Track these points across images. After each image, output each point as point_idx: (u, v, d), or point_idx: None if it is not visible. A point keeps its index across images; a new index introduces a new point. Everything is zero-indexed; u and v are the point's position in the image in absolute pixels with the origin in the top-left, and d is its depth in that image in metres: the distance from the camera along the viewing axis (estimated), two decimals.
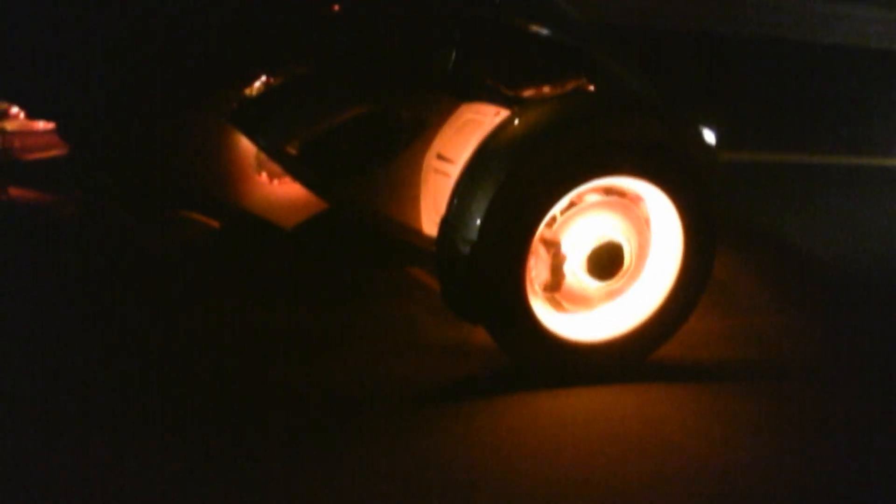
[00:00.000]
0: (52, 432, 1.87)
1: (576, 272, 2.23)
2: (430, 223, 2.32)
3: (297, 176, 2.23)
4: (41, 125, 2.23)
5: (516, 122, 2.12)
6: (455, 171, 2.24)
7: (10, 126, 2.24)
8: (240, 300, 2.56)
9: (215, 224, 2.32)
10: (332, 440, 1.94)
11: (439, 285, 2.19)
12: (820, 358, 2.60)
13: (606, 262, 2.22)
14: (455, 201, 2.10)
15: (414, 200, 2.33)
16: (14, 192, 2.26)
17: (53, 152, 2.23)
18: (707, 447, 2.01)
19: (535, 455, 1.94)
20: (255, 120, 2.19)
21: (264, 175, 2.29)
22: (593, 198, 2.21)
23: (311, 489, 1.77)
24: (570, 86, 2.34)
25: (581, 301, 2.28)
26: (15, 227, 2.29)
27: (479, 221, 2.05)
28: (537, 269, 2.19)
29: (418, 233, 2.34)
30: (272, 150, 2.20)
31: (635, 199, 2.26)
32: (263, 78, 2.21)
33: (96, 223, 2.40)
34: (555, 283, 2.21)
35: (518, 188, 2.06)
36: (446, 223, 2.11)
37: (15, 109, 2.23)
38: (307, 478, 1.80)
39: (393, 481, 1.80)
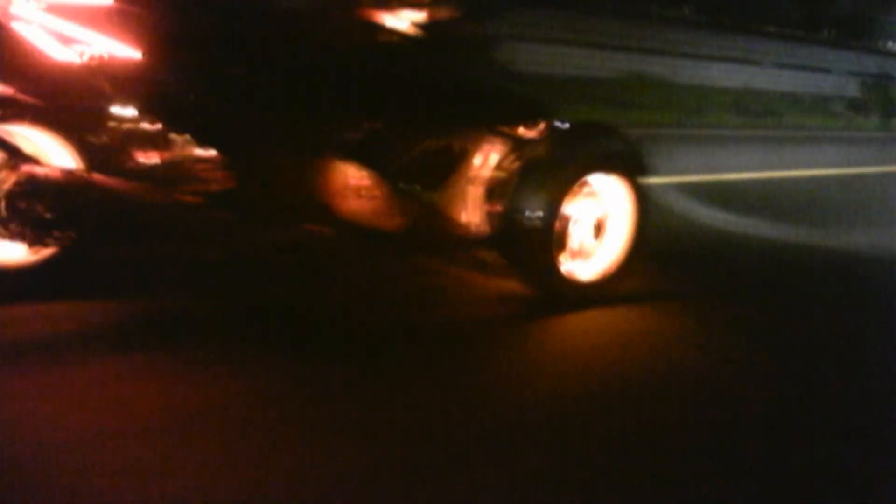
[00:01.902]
0: None
1: (579, 235, 3.58)
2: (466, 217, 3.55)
3: (399, 191, 3.38)
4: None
5: (543, 148, 3.44)
6: (479, 182, 3.52)
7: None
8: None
9: (329, 231, 3.41)
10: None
11: (496, 247, 3.45)
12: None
13: (599, 227, 3.59)
14: (514, 196, 3.38)
15: (461, 203, 3.55)
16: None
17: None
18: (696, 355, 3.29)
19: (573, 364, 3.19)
20: (370, 152, 3.32)
21: (365, 193, 3.41)
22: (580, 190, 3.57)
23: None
24: (544, 124, 3.67)
25: (580, 254, 3.62)
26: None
27: (539, 210, 3.35)
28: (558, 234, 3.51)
29: (460, 223, 3.56)
30: (383, 172, 3.33)
31: (598, 189, 3.65)
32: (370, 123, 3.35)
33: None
34: (564, 243, 3.55)
35: (554, 184, 3.39)
36: (508, 210, 3.38)
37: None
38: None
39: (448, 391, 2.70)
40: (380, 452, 2.25)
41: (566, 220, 3.51)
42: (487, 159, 3.56)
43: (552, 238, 3.44)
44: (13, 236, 2.97)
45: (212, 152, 3.12)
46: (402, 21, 3.46)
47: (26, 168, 2.90)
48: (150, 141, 3.10)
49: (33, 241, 2.98)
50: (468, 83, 3.56)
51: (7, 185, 2.95)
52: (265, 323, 3.14)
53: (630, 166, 3.65)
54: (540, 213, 3.36)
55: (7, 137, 2.91)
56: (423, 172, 3.40)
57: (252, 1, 3.29)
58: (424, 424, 2.45)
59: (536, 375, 2.95)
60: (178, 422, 2.32)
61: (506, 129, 3.60)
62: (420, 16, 3.49)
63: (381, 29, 3.42)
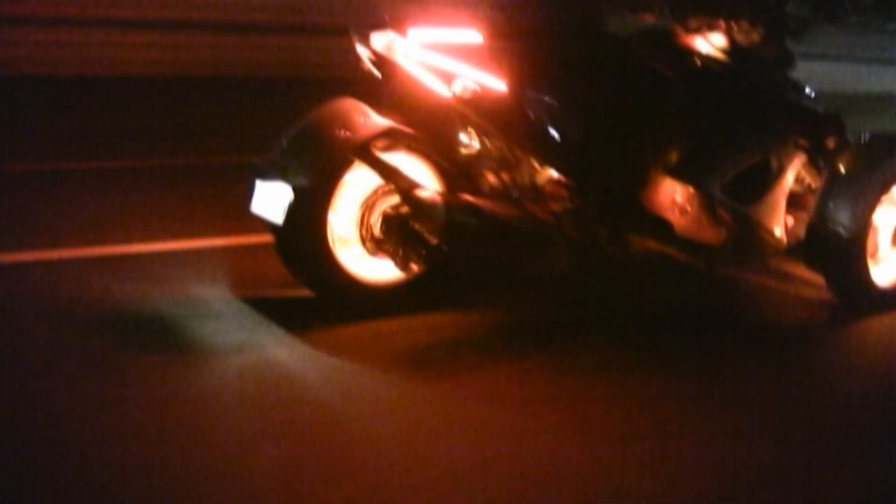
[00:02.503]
0: None
1: (880, 242, 3.74)
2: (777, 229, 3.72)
3: (720, 205, 3.56)
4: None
5: (852, 160, 3.60)
6: (788, 195, 3.68)
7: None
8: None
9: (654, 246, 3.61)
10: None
11: (806, 257, 3.63)
12: None
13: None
14: (826, 208, 3.55)
15: (772, 215, 3.71)
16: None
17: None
18: None
19: None
20: (693, 171, 3.51)
21: (684, 210, 3.60)
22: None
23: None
24: (844, 138, 3.81)
25: (877, 261, 3.78)
26: None
27: (849, 219, 3.52)
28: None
29: (772, 235, 3.73)
30: (706, 188, 3.52)
31: None
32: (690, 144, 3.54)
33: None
34: (874, 251, 3.71)
35: (865, 195, 3.56)
36: (821, 221, 3.55)
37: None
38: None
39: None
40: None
41: (873, 228, 3.67)
42: (795, 173, 3.73)
43: (865, 247, 3.60)
44: (387, 255, 3.24)
45: (560, 175, 3.36)
46: (709, 45, 3.66)
47: (404, 192, 3.15)
48: (508, 165, 3.36)
49: (405, 259, 3.24)
50: (776, 101, 3.73)
51: (386, 208, 3.21)
52: (608, 328, 3.43)
53: None
54: (853, 224, 3.53)
55: (390, 164, 3.17)
56: (740, 187, 3.57)
57: (594, 39, 3.50)
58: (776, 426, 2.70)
59: (863, 376, 3.21)
60: (586, 420, 2.63)
61: (810, 144, 3.76)
62: (724, 40, 3.68)
63: (699, 55, 3.62)
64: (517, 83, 3.18)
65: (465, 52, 3.16)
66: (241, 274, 3.57)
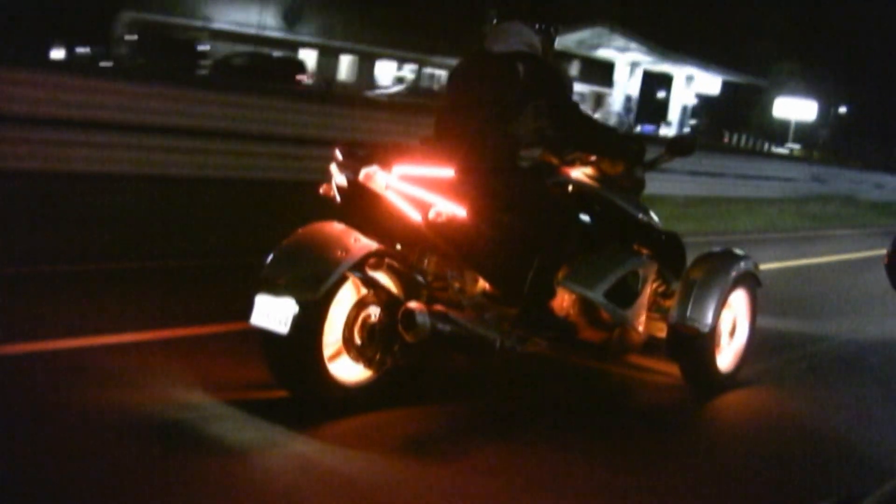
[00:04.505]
0: None
1: (725, 335, 4.68)
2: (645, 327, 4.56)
3: (605, 309, 4.34)
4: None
5: (703, 271, 4.52)
6: (652, 299, 4.56)
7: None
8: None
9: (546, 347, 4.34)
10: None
11: (671, 349, 4.49)
12: None
13: (732, 330, 4.71)
14: (685, 311, 4.42)
15: (642, 316, 4.55)
16: None
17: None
18: None
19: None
20: (583, 281, 4.28)
21: (576, 314, 4.37)
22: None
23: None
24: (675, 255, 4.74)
25: (719, 349, 4.71)
26: None
27: (705, 318, 4.41)
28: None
29: (640, 333, 4.56)
30: (592, 296, 4.30)
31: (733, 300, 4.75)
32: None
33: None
34: (718, 343, 4.64)
35: (717, 299, 4.47)
36: (680, 320, 4.41)
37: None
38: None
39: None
40: None
41: (719, 326, 4.59)
42: (656, 281, 4.60)
43: (715, 341, 4.51)
44: (363, 360, 3.71)
45: (491, 287, 4.02)
46: (583, 174, 4.48)
47: (393, 305, 3.64)
48: (456, 279, 3.95)
49: (379, 363, 3.73)
50: (635, 221, 4.58)
51: (367, 319, 3.69)
52: (535, 416, 4.09)
53: (755, 282, 4.79)
54: (708, 321, 4.41)
55: (378, 280, 3.66)
56: (618, 293, 4.36)
57: (516, 173, 4.17)
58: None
59: (717, 442, 4.15)
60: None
61: (659, 258, 4.65)
62: (594, 170, 4.52)
63: (579, 182, 4.43)
64: (471, 210, 3.76)
65: (437, 185, 3.71)
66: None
